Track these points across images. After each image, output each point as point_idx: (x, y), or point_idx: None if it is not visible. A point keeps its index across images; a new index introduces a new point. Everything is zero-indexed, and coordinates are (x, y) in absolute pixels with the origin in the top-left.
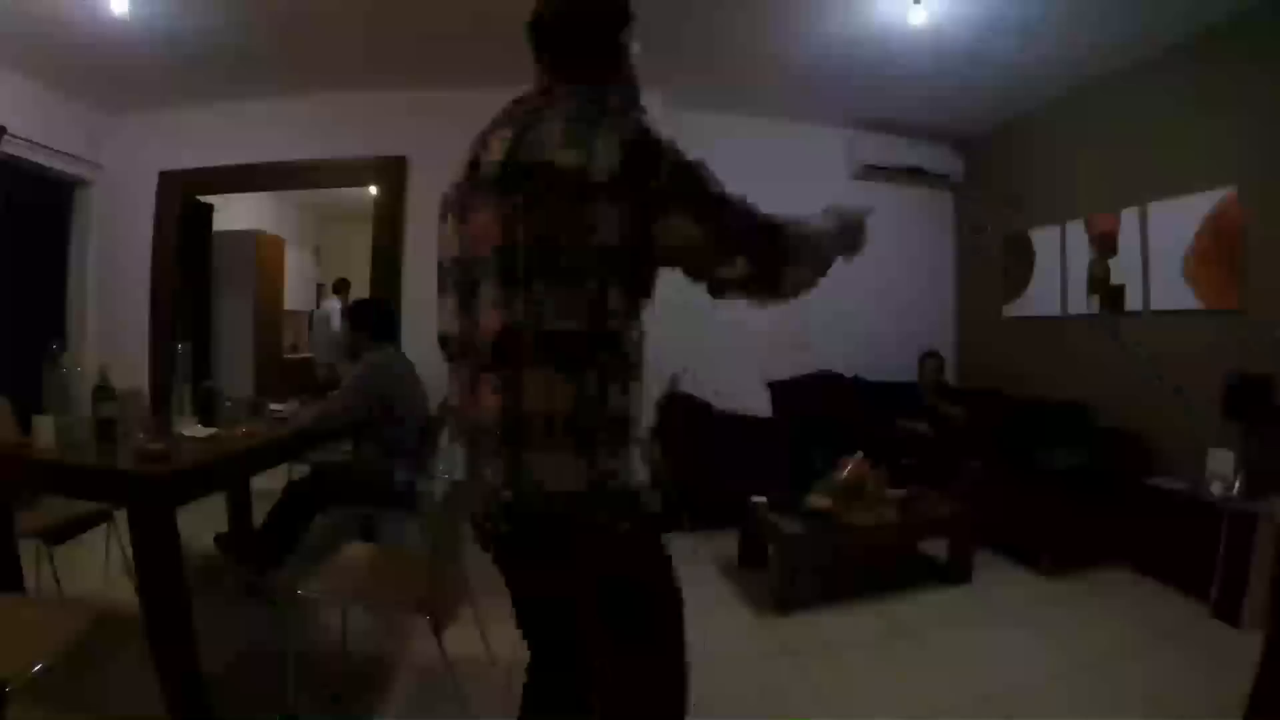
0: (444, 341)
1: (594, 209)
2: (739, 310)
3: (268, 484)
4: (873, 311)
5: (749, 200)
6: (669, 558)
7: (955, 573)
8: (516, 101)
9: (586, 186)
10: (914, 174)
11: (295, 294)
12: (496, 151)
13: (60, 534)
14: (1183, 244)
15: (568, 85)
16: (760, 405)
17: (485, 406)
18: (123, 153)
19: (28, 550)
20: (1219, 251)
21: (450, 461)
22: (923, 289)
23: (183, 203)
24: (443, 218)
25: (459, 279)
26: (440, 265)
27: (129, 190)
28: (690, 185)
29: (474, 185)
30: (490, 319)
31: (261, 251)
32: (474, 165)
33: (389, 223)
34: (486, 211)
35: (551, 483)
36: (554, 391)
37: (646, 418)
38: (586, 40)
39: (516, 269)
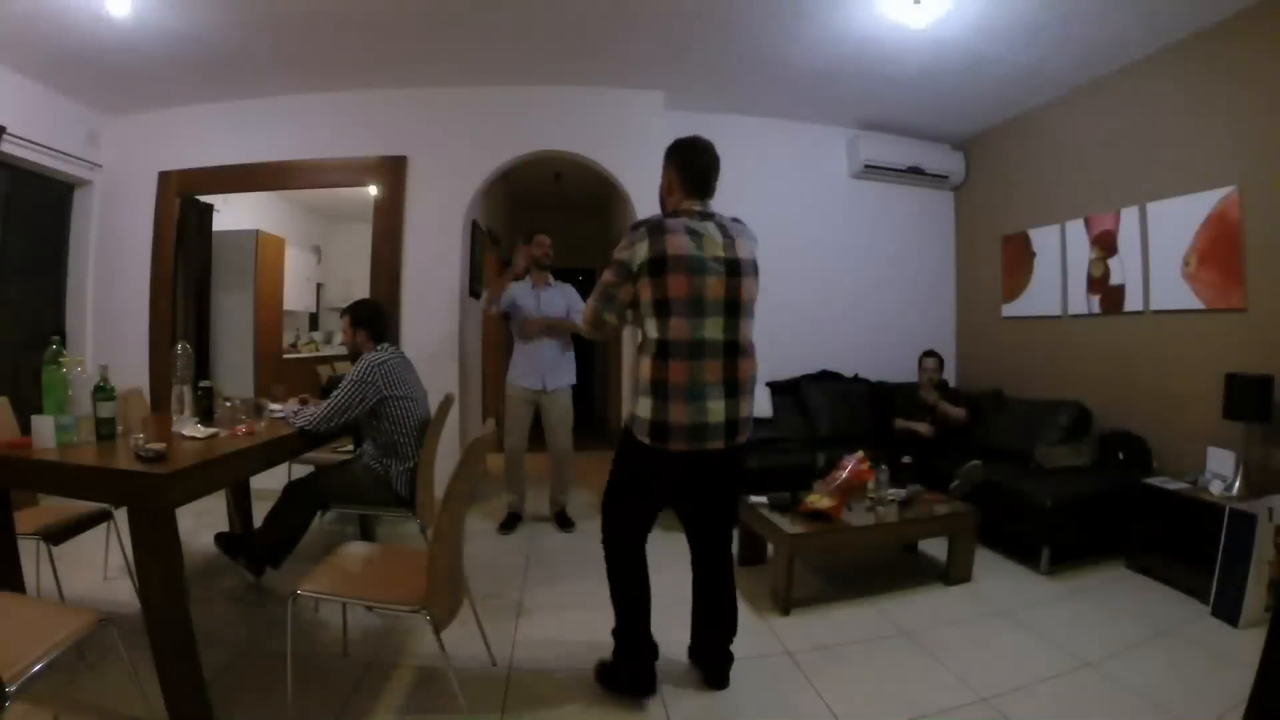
0: (668, 345)
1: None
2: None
3: (268, 484)
4: (873, 311)
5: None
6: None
7: (955, 573)
8: (703, 215)
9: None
10: (914, 174)
11: (295, 294)
12: (718, 243)
13: (60, 534)
14: (1183, 244)
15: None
16: (761, 405)
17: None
18: (122, 153)
19: (28, 550)
20: (1219, 251)
21: None
22: (923, 289)
23: (182, 202)
24: (661, 269)
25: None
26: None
27: (128, 190)
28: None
29: (710, 263)
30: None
31: (261, 251)
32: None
33: (389, 223)
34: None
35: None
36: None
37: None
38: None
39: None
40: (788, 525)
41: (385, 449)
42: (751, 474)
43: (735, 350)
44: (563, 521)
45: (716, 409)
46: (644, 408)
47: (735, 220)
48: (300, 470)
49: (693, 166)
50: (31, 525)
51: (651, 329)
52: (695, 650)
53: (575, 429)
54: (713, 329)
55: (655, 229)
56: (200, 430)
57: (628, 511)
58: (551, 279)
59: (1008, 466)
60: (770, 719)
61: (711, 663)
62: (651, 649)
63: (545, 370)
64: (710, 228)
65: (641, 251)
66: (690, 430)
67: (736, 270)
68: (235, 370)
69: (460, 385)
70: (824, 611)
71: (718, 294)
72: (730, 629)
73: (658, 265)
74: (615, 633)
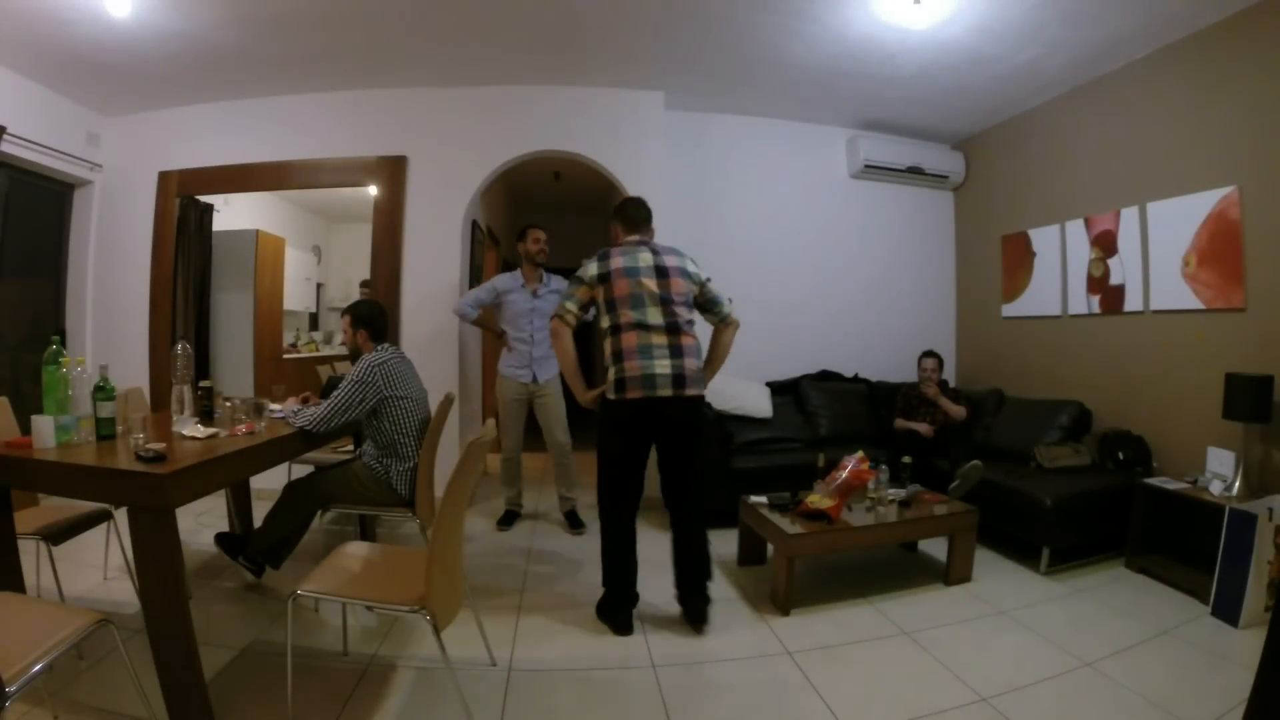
0: (619, 326)
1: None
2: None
3: (268, 484)
4: (873, 311)
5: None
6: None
7: (955, 573)
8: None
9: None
10: (914, 174)
11: (295, 294)
12: (649, 260)
13: (60, 534)
14: (1183, 244)
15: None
16: (761, 405)
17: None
18: (122, 153)
19: (28, 550)
20: (1219, 251)
21: None
22: (922, 289)
23: (182, 202)
24: (608, 279)
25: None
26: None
27: (128, 190)
28: None
29: (643, 270)
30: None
31: (261, 251)
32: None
33: (389, 223)
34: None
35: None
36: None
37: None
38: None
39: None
40: (787, 525)
41: (385, 449)
42: (751, 474)
43: (676, 329)
44: (573, 522)
45: (663, 364)
46: (610, 374)
47: (668, 247)
48: (300, 470)
49: (628, 215)
50: (31, 525)
51: (605, 320)
52: (679, 595)
53: (578, 428)
54: (653, 315)
55: (603, 255)
56: (200, 430)
57: (611, 473)
58: (545, 277)
59: (1008, 466)
60: (770, 719)
61: (691, 602)
62: (631, 598)
63: (536, 363)
64: (642, 251)
65: (592, 269)
66: (642, 380)
67: (665, 274)
68: (235, 370)
69: (460, 385)
70: (824, 611)
71: (652, 290)
72: (704, 572)
73: (604, 277)
74: (604, 581)
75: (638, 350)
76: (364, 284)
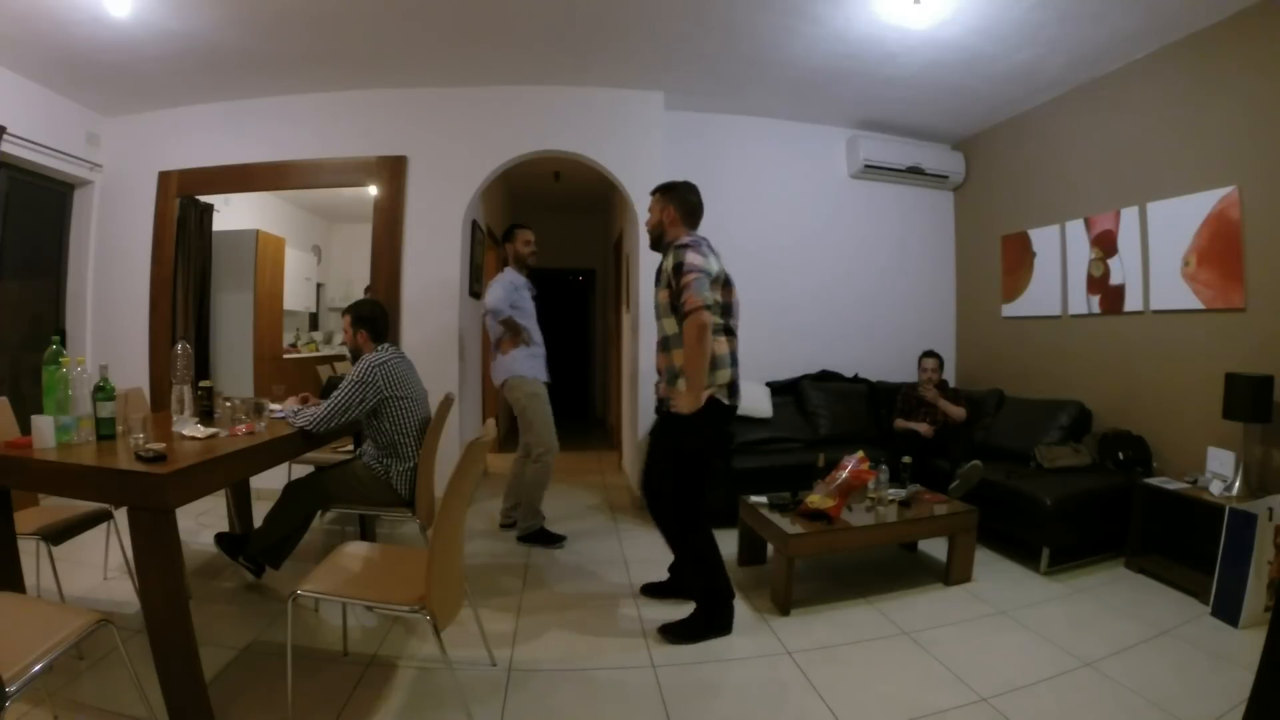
0: (732, 329)
1: None
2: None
3: (268, 484)
4: (872, 311)
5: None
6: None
7: (955, 573)
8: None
9: None
10: (914, 174)
11: (295, 294)
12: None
13: (60, 534)
14: (1182, 244)
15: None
16: (761, 405)
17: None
18: (122, 153)
19: (28, 550)
20: (1219, 251)
21: None
22: (923, 289)
23: (182, 202)
24: (729, 282)
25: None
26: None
27: (128, 190)
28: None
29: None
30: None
31: (261, 251)
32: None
33: (389, 223)
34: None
35: None
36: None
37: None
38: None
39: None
40: (787, 525)
41: (385, 449)
42: (751, 474)
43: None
44: (550, 538)
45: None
46: (722, 376)
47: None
48: (300, 470)
49: (692, 205)
50: (31, 525)
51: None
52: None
53: (579, 426)
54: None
55: (711, 248)
56: (200, 430)
57: (702, 476)
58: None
59: (1008, 466)
60: (770, 719)
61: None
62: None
63: (545, 361)
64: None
65: (714, 264)
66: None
67: (730, 287)
68: (235, 370)
69: (460, 385)
70: (824, 611)
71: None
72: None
73: (722, 280)
74: (718, 593)
75: (738, 359)
76: (368, 290)
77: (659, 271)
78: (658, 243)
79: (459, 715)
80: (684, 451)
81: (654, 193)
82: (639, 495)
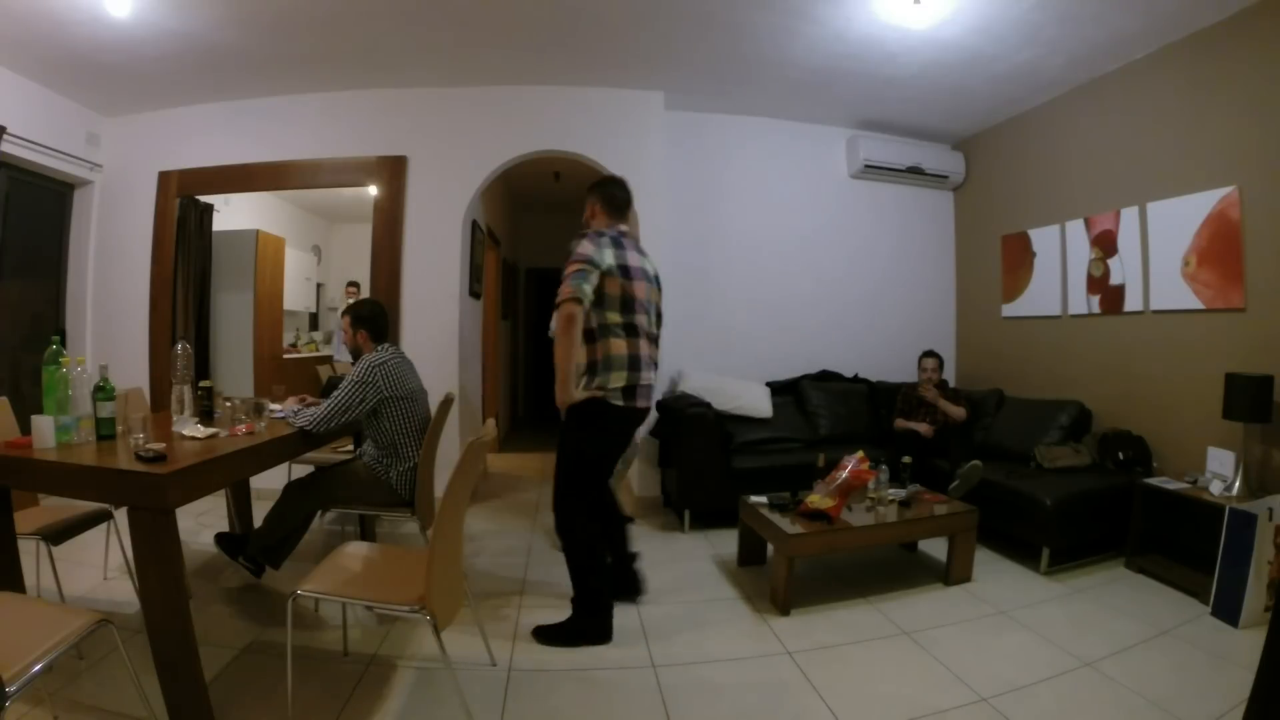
0: (635, 328)
1: None
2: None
3: (268, 484)
4: (872, 311)
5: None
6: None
7: (955, 573)
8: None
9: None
10: (914, 174)
11: (295, 294)
12: (652, 268)
13: (60, 534)
14: (1182, 244)
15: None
16: (761, 405)
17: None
18: (122, 153)
19: (28, 550)
20: (1219, 251)
21: None
22: (923, 289)
23: (182, 202)
24: (629, 275)
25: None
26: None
27: (128, 190)
28: None
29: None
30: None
31: (261, 251)
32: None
33: (389, 223)
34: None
35: None
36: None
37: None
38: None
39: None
40: (787, 525)
41: (385, 449)
42: (751, 474)
43: (657, 342)
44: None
45: (652, 377)
46: (617, 379)
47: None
48: (300, 470)
49: (613, 197)
50: (31, 525)
51: (612, 316)
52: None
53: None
54: (653, 326)
55: (615, 242)
56: (200, 430)
57: (589, 476)
58: None
59: (1008, 466)
60: (770, 719)
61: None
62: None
63: None
64: (647, 256)
65: (607, 256)
66: (649, 391)
67: (658, 285)
68: (235, 370)
69: (460, 385)
70: (824, 611)
71: (655, 299)
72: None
73: (624, 270)
74: (591, 595)
75: (644, 361)
76: (350, 284)
77: None
78: None
79: (459, 715)
80: (565, 446)
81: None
82: (644, 498)
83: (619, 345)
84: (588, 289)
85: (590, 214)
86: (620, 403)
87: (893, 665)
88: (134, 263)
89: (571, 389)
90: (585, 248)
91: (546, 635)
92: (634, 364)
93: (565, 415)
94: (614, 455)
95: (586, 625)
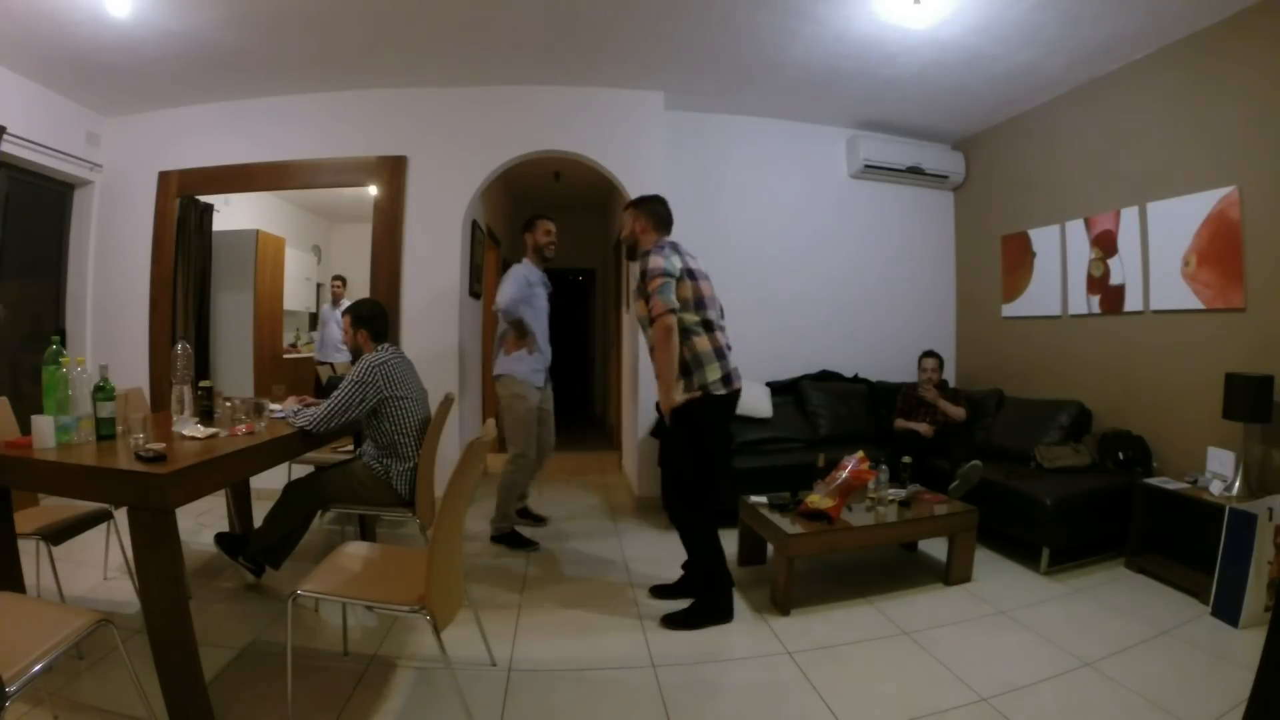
0: (710, 324)
1: None
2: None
3: (268, 484)
4: (872, 311)
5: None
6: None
7: (955, 573)
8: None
9: None
10: (914, 174)
11: (295, 294)
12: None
13: (60, 534)
14: (1182, 244)
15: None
16: (761, 405)
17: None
18: (122, 153)
19: (28, 550)
20: (1219, 251)
21: None
22: (923, 289)
23: (182, 202)
24: (694, 276)
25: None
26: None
27: (128, 190)
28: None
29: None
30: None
31: (261, 251)
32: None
33: (389, 223)
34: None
35: None
36: None
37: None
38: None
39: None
40: (787, 525)
41: (385, 449)
42: (751, 474)
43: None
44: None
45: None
46: (710, 372)
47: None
48: (300, 470)
49: (662, 215)
50: (31, 525)
51: (690, 316)
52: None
53: (579, 426)
54: (722, 318)
55: (674, 248)
56: (200, 430)
57: (709, 468)
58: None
59: (1008, 466)
60: (770, 719)
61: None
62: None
63: (546, 365)
64: (697, 257)
65: (676, 262)
66: (738, 374)
67: (710, 282)
68: (235, 370)
69: (460, 385)
70: (824, 611)
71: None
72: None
73: (690, 273)
74: (717, 582)
75: (725, 350)
76: (336, 278)
77: (638, 285)
78: (632, 252)
79: (459, 715)
80: (679, 445)
81: (626, 208)
82: (644, 498)
83: (702, 343)
84: (674, 299)
85: (638, 229)
86: (722, 391)
87: (893, 665)
88: (134, 263)
89: (675, 393)
90: (656, 261)
91: (676, 621)
92: (720, 355)
93: (672, 419)
94: (729, 440)
95: (714, 606)
